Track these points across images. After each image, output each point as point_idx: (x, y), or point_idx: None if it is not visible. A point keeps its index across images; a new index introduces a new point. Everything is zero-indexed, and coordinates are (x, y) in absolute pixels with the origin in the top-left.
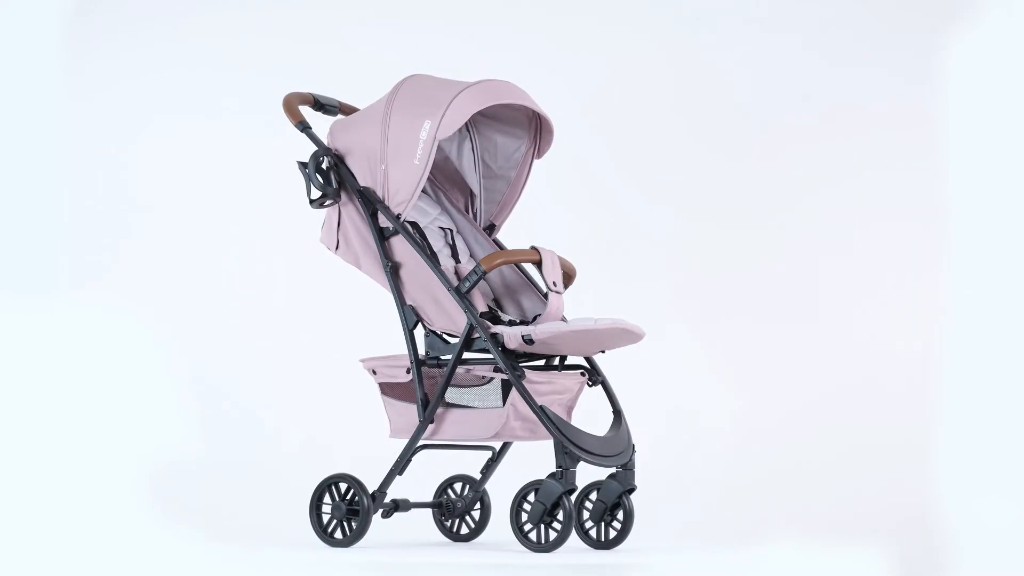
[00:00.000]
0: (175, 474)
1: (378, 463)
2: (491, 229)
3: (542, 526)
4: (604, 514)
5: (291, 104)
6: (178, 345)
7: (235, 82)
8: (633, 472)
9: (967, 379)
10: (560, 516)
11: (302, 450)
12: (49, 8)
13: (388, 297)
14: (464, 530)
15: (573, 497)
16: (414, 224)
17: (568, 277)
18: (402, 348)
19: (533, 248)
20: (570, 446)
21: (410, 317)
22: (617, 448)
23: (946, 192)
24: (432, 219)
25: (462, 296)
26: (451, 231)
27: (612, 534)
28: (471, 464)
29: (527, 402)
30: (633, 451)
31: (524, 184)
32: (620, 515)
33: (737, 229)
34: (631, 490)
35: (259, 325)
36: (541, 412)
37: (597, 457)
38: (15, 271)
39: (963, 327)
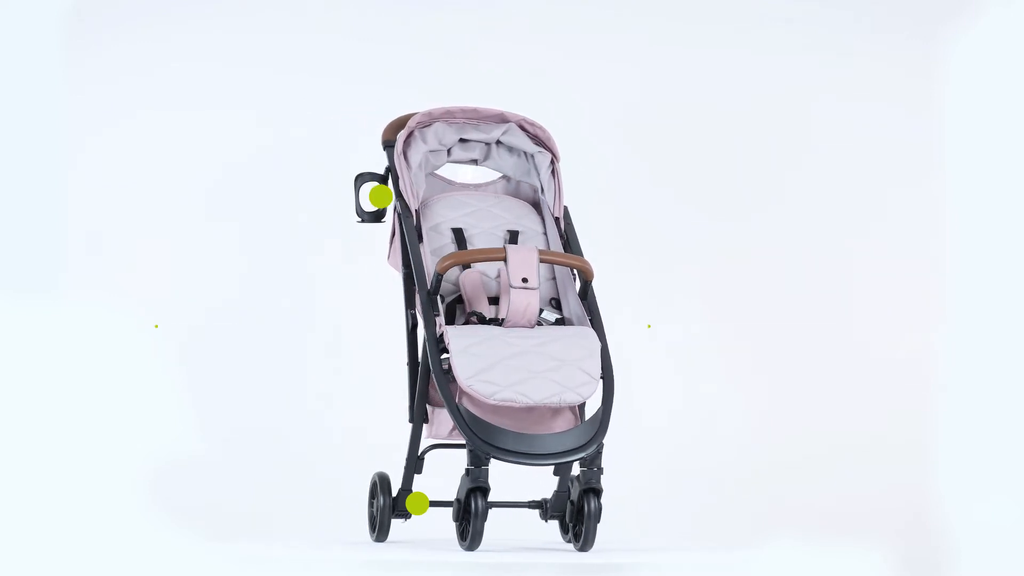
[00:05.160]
0: (175, 474)
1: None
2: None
3: (466, 524)
4: (575, 515)
5: (391, 124)
6: (178, 344)
7: (241, 80)
8: (594, 471)
9: (968, 379)
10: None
11: (303, 449)
12: (48, 5)
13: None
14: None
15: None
16: (458, 230)
17: (585, 274)
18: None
19: (504, 246)
20: (476, 443)
21: (409, 320)
22: (559, 447)
23: (946, 190)
24: (503, 222)
25: (424, 299)
26: (517, 233)
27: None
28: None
29: (441, 394)
30: (591, 449)
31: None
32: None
33: (737, 229)
34: (594, 491)
35: (260, 324)
36: (456, 411)
37: (518, 456)
38: (15, 271)
39: (964, 327)
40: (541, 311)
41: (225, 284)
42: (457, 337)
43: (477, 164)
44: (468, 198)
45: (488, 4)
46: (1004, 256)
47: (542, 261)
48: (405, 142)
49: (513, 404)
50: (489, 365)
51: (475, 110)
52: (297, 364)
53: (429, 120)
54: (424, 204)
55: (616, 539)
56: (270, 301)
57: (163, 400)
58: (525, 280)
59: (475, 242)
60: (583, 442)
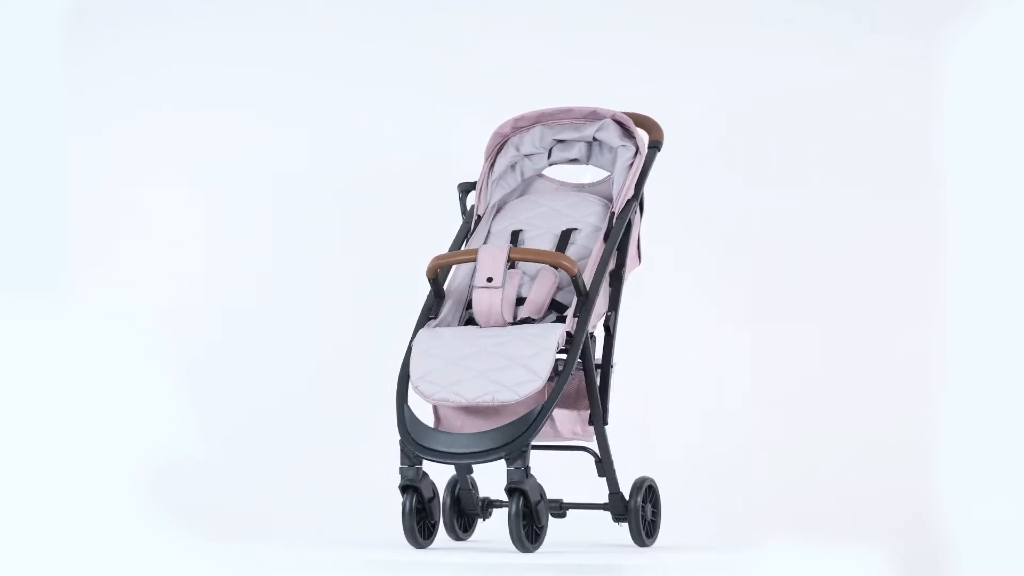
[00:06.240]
0: (175, 474)
1: None
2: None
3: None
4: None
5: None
6: (178, 344)
7: (241, 80)
8: (517, 471)
9: (968, 379)
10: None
11: (304, 449)
12: (48, 5)
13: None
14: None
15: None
16: (516, 232)
17: (565, 271)
18: None
19: (479, 246)
20: (405, 442)
21: None
22: (475, 446)
23: (946, 189)
24: (564, 222)
25: (426, 301)
26: (571, 232)
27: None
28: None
29: (397, 393)
30: (508, 450)
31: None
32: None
33: (737, 229)
34: (517, 491)
35: (261, 323)
36: (399, 409)
37: (434, 454)
38: (15, 271)
39: (964, 327)
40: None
41: (226, 283)
42: (422, 340)
43: (580, 164)
44: (544, 199)
45: (488, 4)
46: (1004, 256)
47: (516, 259)
48: (498, 149)
49: (448, 404)
50: (438, 366)
51: (569, 109)
52: (298, 363)
53: (526, 124)
54: (503, 206)
55: (616, 539)
56: (271, 300)
57: (163, 400)
58: (490, 279)
59: (528, 243)
60: (503, 442)
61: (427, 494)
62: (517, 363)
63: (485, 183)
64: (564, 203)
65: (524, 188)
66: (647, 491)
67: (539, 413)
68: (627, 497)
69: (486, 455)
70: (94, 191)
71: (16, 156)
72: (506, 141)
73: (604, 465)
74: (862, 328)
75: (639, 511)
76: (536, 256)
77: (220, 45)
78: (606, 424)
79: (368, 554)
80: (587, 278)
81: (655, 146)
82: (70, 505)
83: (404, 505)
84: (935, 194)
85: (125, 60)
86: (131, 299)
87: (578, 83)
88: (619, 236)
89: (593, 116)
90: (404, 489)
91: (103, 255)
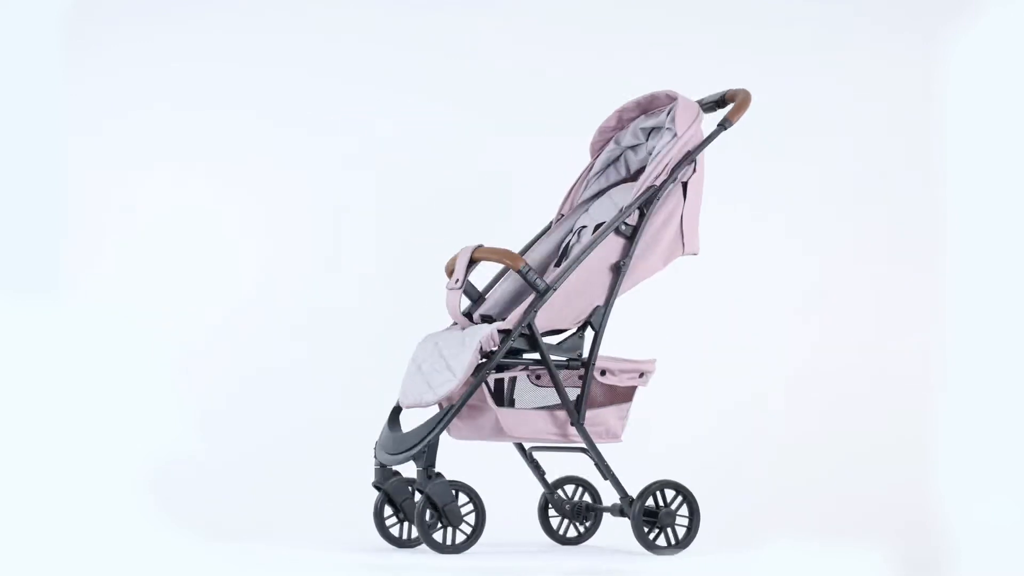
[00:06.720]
0: (175, 474)
1: None
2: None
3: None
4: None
5: None
6: (178, 344)
7: (240, 79)
8: (421, 471)
9: (968, 379)
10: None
11: (304, 449)
12: (48, 5)
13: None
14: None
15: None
16: (581, 229)
17: (509, 266)
18: None
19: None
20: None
21: None
22: (393, 448)
23: (946, 190)
24: (607, 215)
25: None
26: (600, 225)
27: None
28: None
29: None
30: (414, 451)
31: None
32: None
33: (737, 229)
34: (420, 491)
35: (260, 323)
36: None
37: (385, 455)
38: (15, 271)
39: (964, 327)
40: None
41: (226, 283)
42: (418, 344)
43: None
44: (615, 191)
45: (488, 4)
46: (1004, 256)
47: (475, 259)
48: (603, 145)
49: (404, 407)
50: (409, 370)
51: (654, 96)
52: (299, 363)
53: (629, 117)
54: (598, 200)
55: (616, 540)
56: (271, 299)
57: (163, 400)
58: (457, 282)
59: (582, 238)
60: (408, 445)
61: (398, 496)
62: (446, 363)
63: (582, 180)
64: (622, 195)
65: (631, 179)
66: (667, 497)
67: (443, 416)
68: (632, 501)
69: (394, 457)
70: (93, 191)
71: (15, 156)
72: (611, 137)
73: (599, 467)
74: (862, 328)
75: (638, 517)
76: (490, 255)
77: (219, 45)
78: (581, 423)
79: (368, 556)
80: (556, 272)
81: (724, 124)
82: (70, 505)
83: (374, 504)
84: (935, 194)
85: (125, 60)
86: (130, 299)
87: (578, 83)
88: (611, 227)
89: (668, 100)
90: (376, 489)
91: (102, 255)
